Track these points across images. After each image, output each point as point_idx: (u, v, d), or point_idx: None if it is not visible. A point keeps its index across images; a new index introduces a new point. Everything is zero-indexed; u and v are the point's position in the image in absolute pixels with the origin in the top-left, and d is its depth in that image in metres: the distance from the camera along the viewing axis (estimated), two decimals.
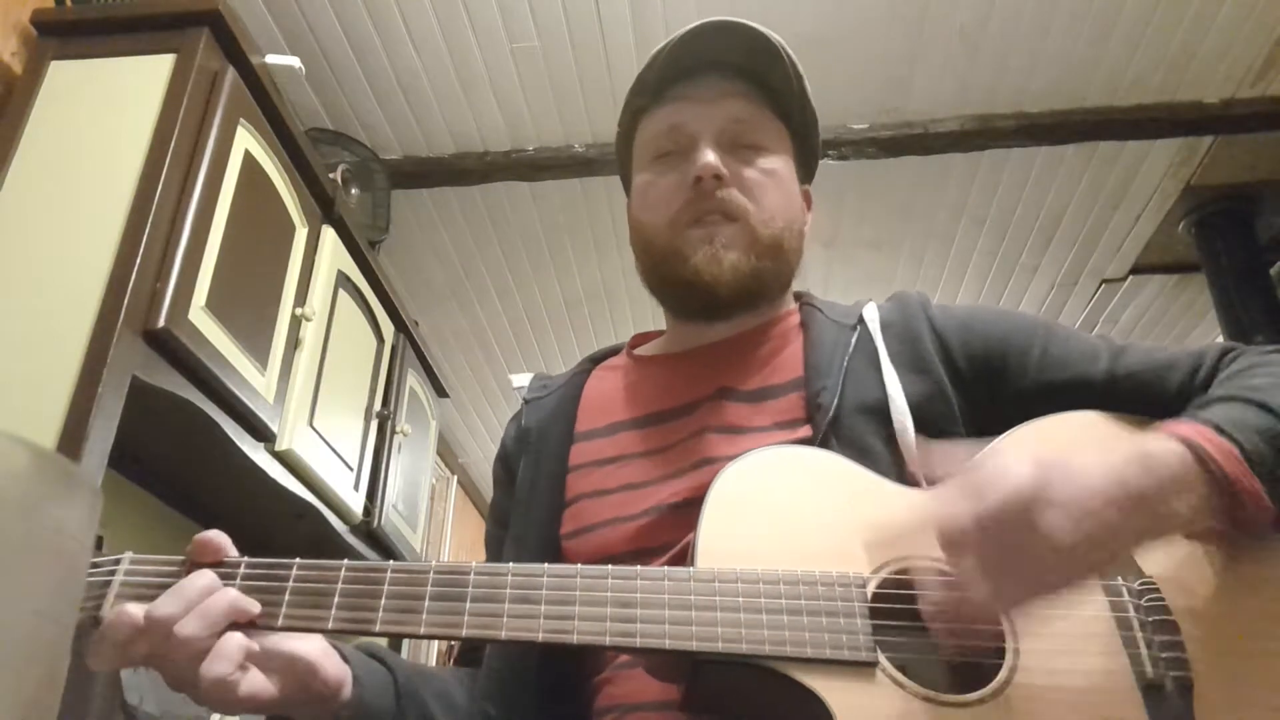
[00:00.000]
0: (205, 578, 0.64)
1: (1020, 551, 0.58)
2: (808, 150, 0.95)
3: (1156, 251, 3.24)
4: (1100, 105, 2.67)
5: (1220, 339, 3.22)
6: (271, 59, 1.83)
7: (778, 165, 0.89)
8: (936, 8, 2.38)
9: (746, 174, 0.87)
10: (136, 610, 0.62)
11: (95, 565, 0.66)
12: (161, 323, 1.35)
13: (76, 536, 0.41)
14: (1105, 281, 3.43)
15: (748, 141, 0.88)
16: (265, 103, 1.70)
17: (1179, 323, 3.63)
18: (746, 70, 0.90)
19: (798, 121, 0.92)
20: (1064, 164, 2.87)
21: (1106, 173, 2.91)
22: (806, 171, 0.96)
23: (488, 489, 5.02)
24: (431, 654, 4.00)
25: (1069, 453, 0.61)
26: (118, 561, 0.66)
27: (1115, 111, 2.68)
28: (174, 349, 1.40)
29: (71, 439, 1.22)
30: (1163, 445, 0.64)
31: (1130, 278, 3.40)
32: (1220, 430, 0.64)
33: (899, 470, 0.75)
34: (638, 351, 0.96)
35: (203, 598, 0.63)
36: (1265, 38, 2.47)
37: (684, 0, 2.33)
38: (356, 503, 2.06)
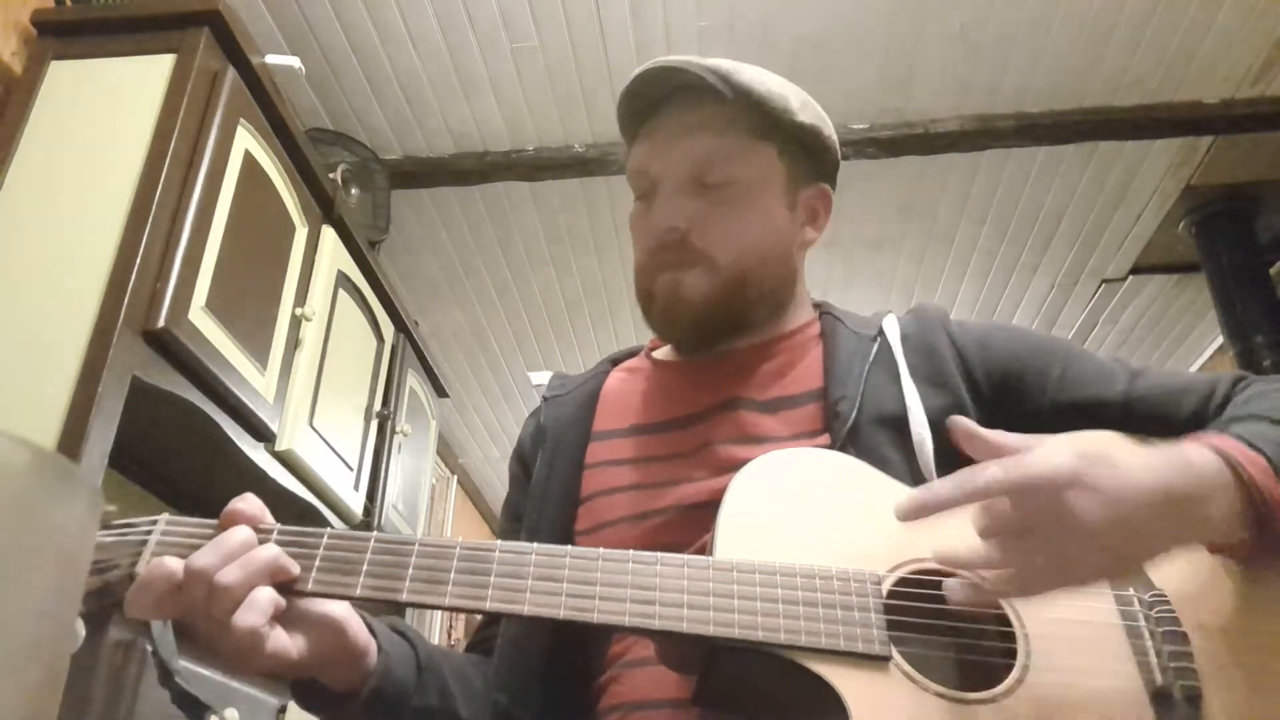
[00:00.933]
0: (243, 532, 0.65)
1: (1044, 527, 0.58)
2: (810, 153, 0.92)
3: (1156, 251, 3.25)
4: (1100, 105, 2.68)
5: (1220, 339, 3.24)
6: (271, 59, 1.84)
7: (747, 194, 0.86)
8: (936, 8, 2.38)
9: (708, 215, 0.85)
10: (175, 562, 0.63)
11: (132, 524, 0.67)
12: (161, 323, 1.35)
13: (76, 536, 0.41)
14: (1105, 281, 3.43)
15: (712, 180, 0.86)
16: (265, 103, 1.71)
17: (1179, 323, 3.63)
18: (716, 91, 0.86)
19: (784, 132, 0.89)
20: (1064, 164, 2.88)
21: (1106, 173, 2.91)
22: (815, 172, 0.93)
23: (488, 489, 5.04)
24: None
25: (1111, 450, 0.62)
26: (154, 522, 0.67)
27: (1115, 111, 2.68)
28: (174, 349, 1.40)
29: (71, 439, 1.22)
30: (1200, 453, 0.65)
31: (1130, 278, 3.40)
32: (1249, 443, 0.65)
33: (916, 482, 0.75)
34: (657, 355, 0.97)
35: (242, 550, 0.64)
36: (1264, 39, 2.47)
37: (684, 1, 2.33)
38: (356, 503, 2.06)
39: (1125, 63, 2.54)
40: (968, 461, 0.77)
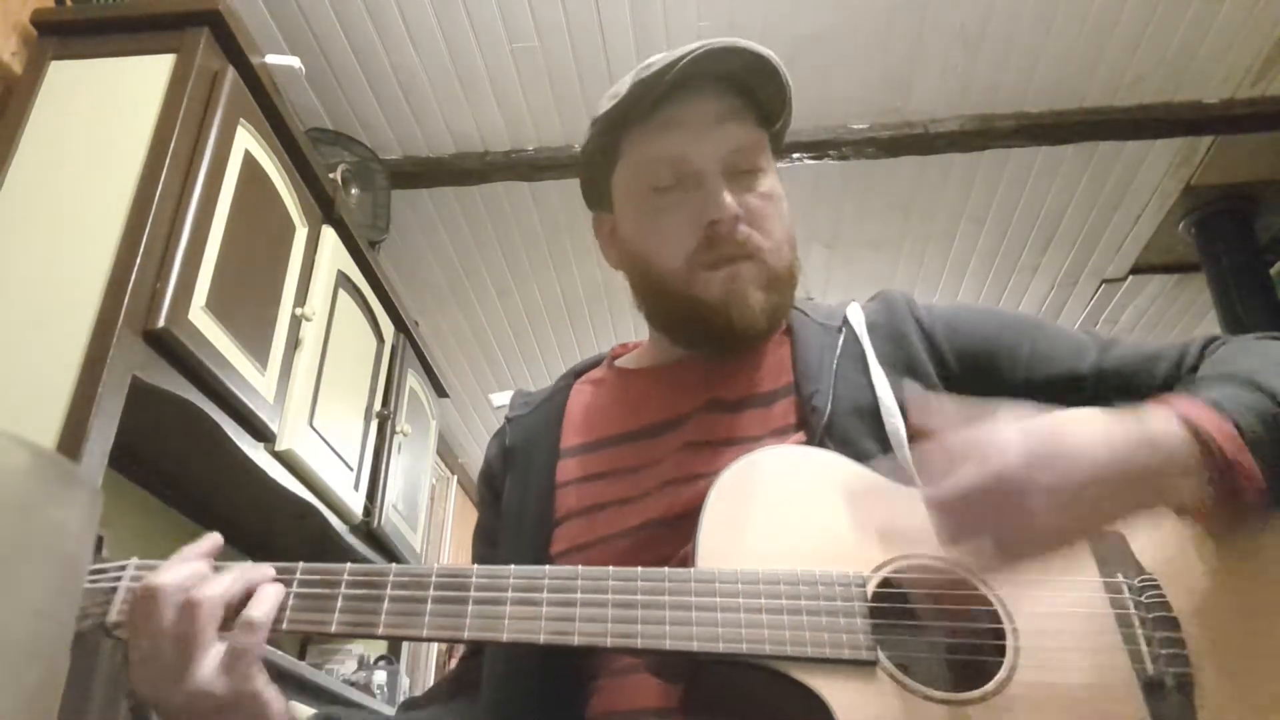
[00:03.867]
0: (208, 541, 0.67)
1: (1001, 525, 0.59)
2: (778, 150, 0.93)
3: (1156, 251, 3.25)
4: (1100, 105, 2.67)
5: None
6: (271, 59, 1.83)
7: (773, 185, 0.87)
8: (936, 8, 2.38)
9: (752, 205, 0.84)
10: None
11: (101, 571, 0.66)
12: (161, 323, 1.35)
13: (76, 536, 0.42)
14: (1105, 281, 3.43)
15: (747, 167, 0.85)
16: (265, 103, 1.70)
17: (1179, 323, 3.63)
18: (734, 82, 0.86)
19: (777, 128, 0.90)
20: (1064, 164, 2.87)
21: (1106, 173, 2.91)
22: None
23: None
24: (431, 659, 4.00)
25: (1070, 425, 0.62)
26: (123, 567, 0.66)
27: (1115, 111, 2.68)
28: (174, 349, 1.40)
29: (71, 439, 1.22)
30: (1166, 427, 0.64)
31: (1130, 278, 3.40)
32: (1219, 408, 0.64)
33: (894, 472, 0.75)
34: (620, 363, 0.95)
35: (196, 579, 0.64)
36: (1265, 38, 2.47)
37: (684, 1, 2.33)
38: (356, 503, 2.06)
39: (1125, 63, 2.54)
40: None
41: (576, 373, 0.98)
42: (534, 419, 0.93)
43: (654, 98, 0.84)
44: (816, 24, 2.42)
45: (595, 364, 0.98)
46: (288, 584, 0.66)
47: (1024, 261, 3.33)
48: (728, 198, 0.82)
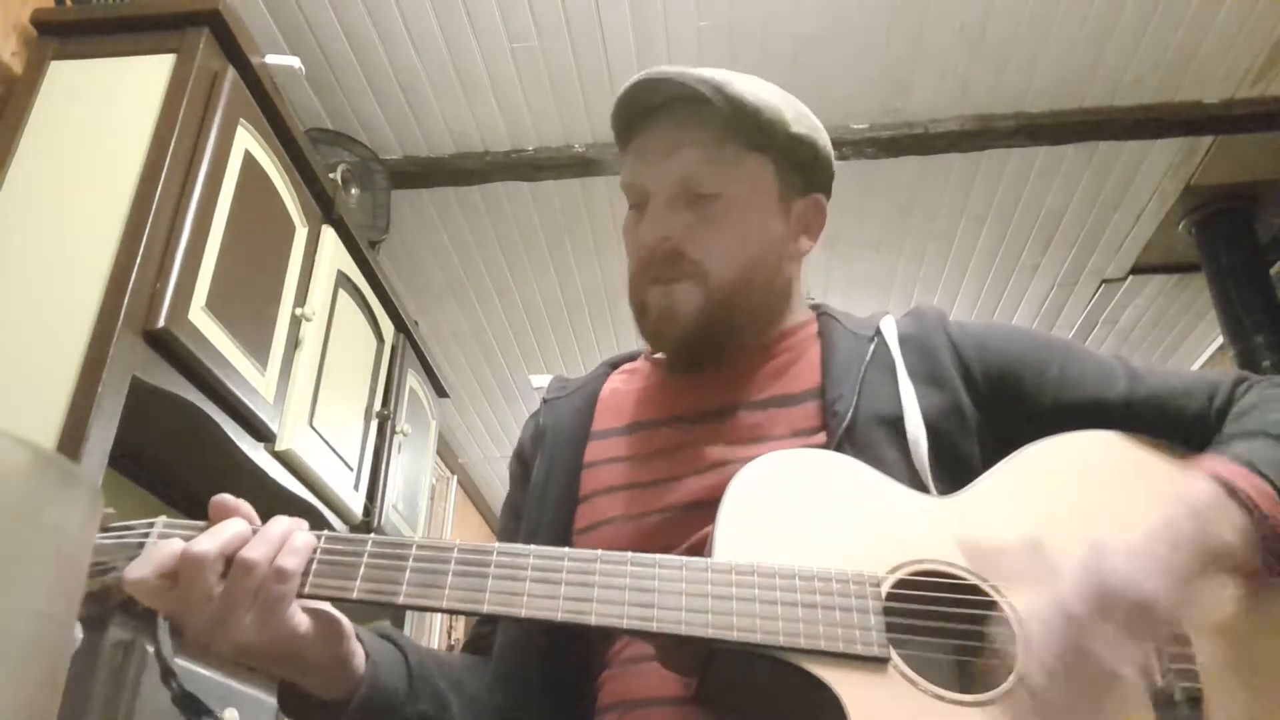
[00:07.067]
0: (239, 523, 0.67)
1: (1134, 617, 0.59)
2: (803, 166, 0.91)
3: (1156, 251, 3.25)
4: (1100, 105, 2.67)
5: (1220, 339, 3.24)
6: (271, 59, 1.83)
7: (738, 207, 0.86)
8: (936, 8, 2.38)
9: (700, 226, 0.85)
10: (179, 544, 0.64)
11: (129, 527, 0.68)
12: (161, 323, 1.35)
13: (76, 536, 0.41)
14: (1105, 281, 3.43)
15: (703, 191, 0.86)
16: (265, 103, 1.70)
17: (1179, 323, 3.63)
18: (701, 102, 0.85)
19: (778, 144, 0.88)
20: (1064, 164, 2.87)
21: (1106, 173, 2.91)
22: (808, 184, 0.92)
23: (488, 489, 5.04)
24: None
25: (1114, 521, 0.62)
26: (151, 524, 0.68)
27: (1115, 111, 2.68)
28: (174, 349, 1.40)
29: (71, 439, 1.22)
30: (1201, 490, 0.65)
31: (1130, 278, 3.40)
32: (1256, 470, 0.65)
33: (912, 482, 0.75)
34: (656, 357, 0.97)
35: (240, 542, 0.65)
36: (1265, 38, 2.47)
37: (684, 1, 2.33)
38: (356, 503, 2.06)
39: (1125, 63, 2.54)
40: (964, 462, 0.78)
41: (613, 364, 1.00)
42: (568, 403, 0.95)
43: (624, 126, 0.91)
44: (816, 24, 2.42)
45: (631, 358, 1.01)
46: (311, 550, 0.67)
47: (1024, 261, 3.33)
48: (659, 224, 0.86)
